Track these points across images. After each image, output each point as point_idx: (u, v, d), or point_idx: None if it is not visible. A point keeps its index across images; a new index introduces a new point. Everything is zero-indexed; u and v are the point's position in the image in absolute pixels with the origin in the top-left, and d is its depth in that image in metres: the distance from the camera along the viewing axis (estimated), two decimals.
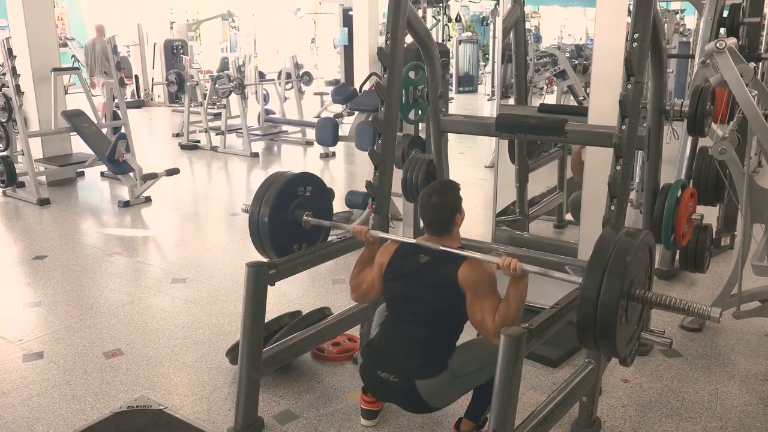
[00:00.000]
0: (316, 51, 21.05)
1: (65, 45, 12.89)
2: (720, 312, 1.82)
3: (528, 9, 12.06)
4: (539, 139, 4.53)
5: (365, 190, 2.89)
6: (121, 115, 6.85)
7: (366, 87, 6.27)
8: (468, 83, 15.17)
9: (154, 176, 5.87)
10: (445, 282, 2.18)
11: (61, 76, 6.65)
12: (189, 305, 3.68)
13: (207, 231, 5.27)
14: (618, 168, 2.29)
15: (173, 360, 3.06)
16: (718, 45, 2.69)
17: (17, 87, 5.98)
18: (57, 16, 11.92)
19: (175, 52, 12.67)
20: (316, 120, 6.79)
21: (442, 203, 2.27)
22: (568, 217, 4.95)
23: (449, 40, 14.49)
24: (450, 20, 14.05)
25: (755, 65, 3.30)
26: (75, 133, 6.42)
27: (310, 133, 8.39)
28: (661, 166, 2.91)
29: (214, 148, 8.55)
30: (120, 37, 10.71)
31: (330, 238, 2.85)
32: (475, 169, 7.22)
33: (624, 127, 2.30)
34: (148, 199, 5.94)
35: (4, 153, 6.23)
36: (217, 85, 8.69)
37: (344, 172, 7.57)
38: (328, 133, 5.36)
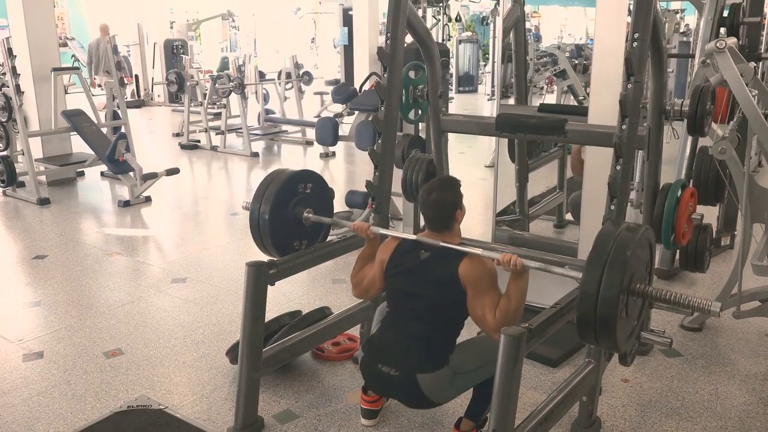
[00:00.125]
0: (316, 51, 21.05)
1: (65, 45, 12.88)
2: (720, 307, 1.81)
3: (528, 9, 12.06)
4: (539, 139, 4.53)
5: (365, 189, 2.89)
6: (121, 115, 6.85)
7: (366, 87, 6.27)
8: (468, 83, 15.17)
9: (154, 176, 5.87)
10: (446, 278, 2.18)
11: (61, 76, 6.65)
12: (189, 305, 3.68)
13: (207, 231, 5.27)
14: (618, 168, 2.29)
15: (173, 360, 3.06)
16: (718, 45, 2.69)
17: (17, 87, 5.98)
18: (57, 16, 11.92)
19: (175, 52, 12.67)
20: (316, 120, 6.79)
21: (442, 200, 2.27)
22: (568, 216, 4.95)
23: (449, 40, 14.49)
24: (450, 20, 14.05)
25: (755, 65, 3.30)
26: (75, 132, 6.42)
27: (310, 133, 8.39)
28: (661, 166, 2.91)
29: (214, 148, 8.55)
30: (120, 36, 10.73)
31: (330, 238, 2.85)
32: (475, 168, 7.22)
33: (624, 126, 2.30)
34: (148, 199, 5.95)
35: (4, 153, 6.23)
36: (217, 85, 8.69)
37: (344, 171, 7.57)
38: (328, 132, 5.36)
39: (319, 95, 10.94)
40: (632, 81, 2.27)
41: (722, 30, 3.96)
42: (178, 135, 9.32)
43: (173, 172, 6.11)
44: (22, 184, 6.10)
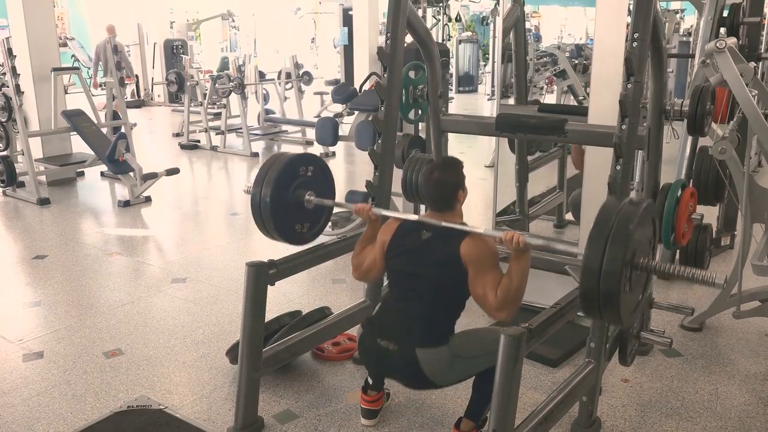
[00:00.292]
0: (316, 51, 21.04)
1: (65, 45, 12.87)
2: (725, 279, 1.79)
3: (528, 9, 12.06)
4: (539, 139, 4.53)
5: (365, 189, 2.89)
6: (121, 115, 6.85)
7: (366, 87, 6.27)
8: (468, 83, 15.17)
9: (154, 176, 5.87)
10: (448, 258, 2.17)
11: (61, 76, 6.65)
12: (189, 305, 3.68)
13: (207, 231, 5.27)
14: (618, 168, 2.29)
15: (173, 360, 3.06)
16: (718, 45, 2.69)
17: (17, 87, 5.98)
18: (57, 15, 11.91)
19: (175, 52, 12.67)
20: (316, 120, 6.78)
21: (444, 179, 2.26)
22: (568, 216, 4.95)
23: (449, 40, 14.48)
24: (450, 20, 14.04)
25: (755, 65, 3.30)
26: (75, 132, 6.42)
27: (310, 133, 8.39)
28: (661, 166, 2.91)
29: (214, 148, 8.55)
30: (120, 36, 10.72)
31: (330, 238, 2.85)
32: (475, 168, 7.22)
33: (624, 126, 2.30)
34: (148, 199, 5.95)
35: (4, 153, 6.23)
36: (217, 85, 8.68)
37: (344, 171, 7.56)
38: (328, 132, 5.35)
39: (319, 95, 10.94)
40: (632, 81, 2.27)
41: (722, 30, 3.96)
42: (178, 135, 9.32)
43: (173, 172, 6.11)
44: (22, 184, 6.10)
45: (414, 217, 2.33)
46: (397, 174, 3.13)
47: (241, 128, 8.48)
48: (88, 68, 13.11)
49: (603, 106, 3.05)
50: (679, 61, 8.82)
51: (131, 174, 5.86)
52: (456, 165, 2.32)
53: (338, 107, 7.72)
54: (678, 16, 10.06)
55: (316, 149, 8.32)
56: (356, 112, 6.45)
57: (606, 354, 2.41)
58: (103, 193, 6.54)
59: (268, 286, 2.44)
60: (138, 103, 12.99)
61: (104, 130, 6.68)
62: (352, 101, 6.21)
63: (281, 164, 2.50)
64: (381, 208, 2.83)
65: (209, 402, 2.70)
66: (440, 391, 2.75)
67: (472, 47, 15.31)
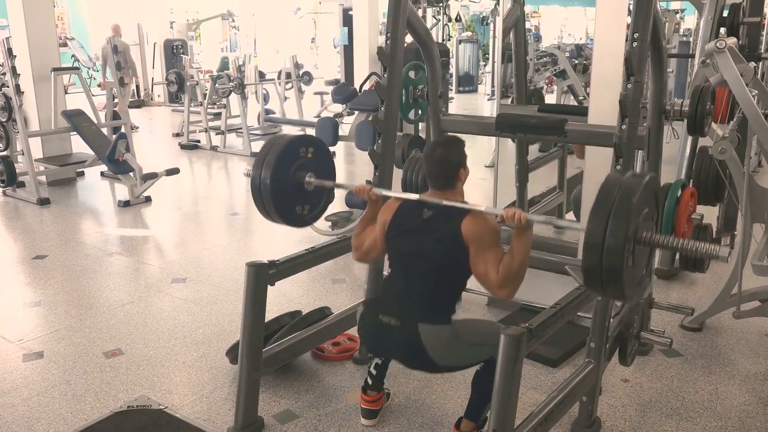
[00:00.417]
0: (316, 51, 21.04)
1: (65, 45, 12.87)
2: (728, 251, 1.75)
3: (528, 9, 12.06)
4: (540, 139, 4.53)
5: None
6: (121, 115, 6.85)
7: (366, 87, 6.28)
8: (468, 83, 15.17)
9: (154, 176, 5.87)
10: (449, 236, 2.15)
11: (61, 76, 6.65)
12: (189, 305, 3.68)
13: (207, 231, 5.27)
14: (618, 167, 2.29)
15: (173, 360, 3.06)
16: (718, 45, 2.69)
17: (17, 87, 5.98)
18: (57, 15, 11.92)
19: (175, 52, 12.67)
20: (316, 120, 6.79)
21: (446, 157, 2.24)
22: (568, 216, 4.95)
23: (449, 40, 14.48)
24: (450, 20, 14.04)
25: (755, 65, 3.30)
26: (75, 132, 6.42)
27: (310, 133, 8.38)
28: (661, 166, 2.91)
29: (214, 148, 8.55)
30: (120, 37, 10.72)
31: (330, 238, 2.85)
32: (475, 168, 7.20)
33: (624, 126, 2.30)
34: (148, 199, 5.94)
35: (4, 153, 6.23)
36: (217, 85, 8.68)
37: (344, 171, 7.56)
38: (328, 132, 5.35)
39: (319, 95, 10.94)
40: (632, 81, 2.27)
41: (722, 30, 3.96)
42: (178, 135, 9.32)
43: (173, 172, 6.11)
44: (22, 184, 6.10)
45: (414, 196, 2.31)
46: (397, 174, 3.13)
47: (241, 128, 8.48)
48: (88, 68, 13.11)
49: (603, 106, 3.05)
50: (679, 61, 8.83)
51: (131, 174, 5.86)
52: (458, 143, 2.30)
53: (338, 107, 7.73)
54: (678, 16, 10.07)
55: None
56: (356, 112, 6.46)
57: (606, 354, 2.41)
58: (103, 193, 6.54)
59: (268, 286, 2.44)
60: (138, 103, 12.99)
61: (104, 130, 6.68)
62: (352, 101, 6.22)
63: (281, 146, 2.45)
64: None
65: (209, 402, 2.71)
66: (440, 391, 2.76)
67: (472, 47, 15.31)
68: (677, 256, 3.50)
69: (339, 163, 7.91)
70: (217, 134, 8.64)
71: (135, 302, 3.73)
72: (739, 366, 2.99)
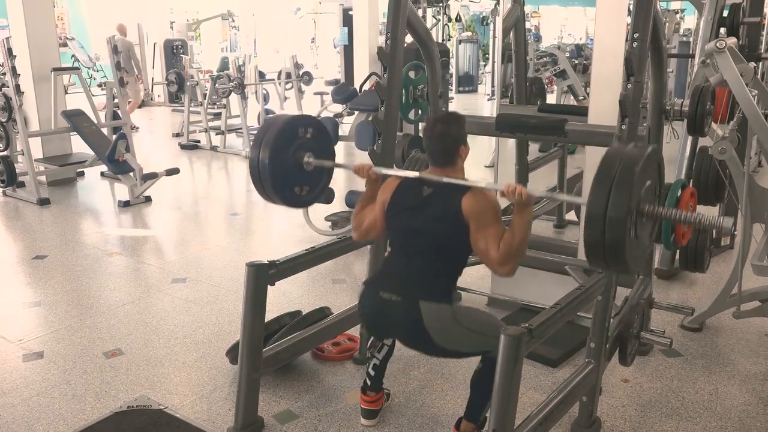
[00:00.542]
0: (316, 51, 21.04)
1: (65, 45, 12.88)
2: (732, 222, 1.73)
3: (528, 9, 12.06)
4: (540, 139, 4.52)
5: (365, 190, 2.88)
6: (121, 115, 6.85)
7: (366, 87, 6.27)
8: (468, 83, 15.17)
9: (154, 176, 5.87)
10: (449, 213, 2.14)
11: (61, 76, 6.65)
12: (189, 305, 3.68)
13: (207, 231, 5.27)
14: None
15: (173, 360, 3.06)
16: (718, 45, 2.70)
17: (17, 87, 5.98)
18: (57, 16, 11.91)
19: (175, 52, 12.67)
20: None
21: (446, 132, 2.22)
22: (568, 216, 4.95)
23: (449, 40, 14.48)
24: (450, 20, 14.04)
25: (755, 65, 3.30)
26: (75, 132, 6.42)
27: None
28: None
29: (214, 148, 8.55)
30: (116, 37, 10.72)
31: (330, 237, 2.85)
32: (475, 168, 7.21)
33: (624, 126, 2.30)
34: (148, 199, 5.94)
35: (4, 153, 6.23)
36: (217, 85, 8.68)
37: (344, 172, 7.55)
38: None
39: (319, 95, 10.94)
40: (632, 81, 2.27)
41: (722, 30, 3.96)
42: (178, 135, 9.32)
43: (173, 172, 6.11)
44: (22, 184, 6.10)
45: (414, 174, 2.29)
46: None
47: (241, 128, 8.48)
48: (88, 68, 13.11)
49: (603, 106, 3.05)
50: (679, 61, 8.83)
51: (131, 174, 5.86)
52: (458, 119, 2.28)
53: (338, 107, 7.72)
54: (678, 16, 10.07)
55: None
56: (356, 112, 6.46)
57: (606, 354, 2.41)
58: (103, 193, 6.54)
59: (268, 286, 2.44)
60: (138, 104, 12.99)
61: (104, 130, 6.68)
62: (352, 101, 6.21)
63: (279, 125, 2.43)
64: None
65: (209, 402, 2.71)
66: (440, 391, 2.76)
67: (472, 47, 15.31)
68: (677, 256, 3.51)
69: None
70: (217, 134, 8.64)
71: (135, 302, 3.73)
72: (739, 366, 2.99)
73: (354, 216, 2.46)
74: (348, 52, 11.76)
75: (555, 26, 20.38)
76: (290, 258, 2.57)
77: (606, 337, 2.37)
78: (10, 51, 6.03)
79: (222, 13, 17.26)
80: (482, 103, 13.51)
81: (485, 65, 15.97)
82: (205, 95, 8.81)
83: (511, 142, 4.53)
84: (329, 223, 4.98)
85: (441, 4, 11.86)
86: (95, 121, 6.57)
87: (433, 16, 12.26)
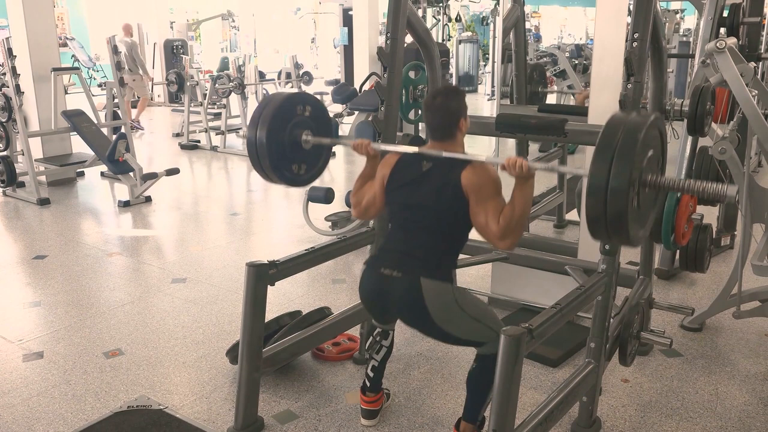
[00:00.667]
0: (316, 51, 21.05)
1: (65, 45, 12.88)
2: (736, 191, 1.70)
3: (528, 9, 12.06)
4: (540, 139, 4.52)
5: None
6: (121, 115, 6.86)
7: (366, 87, 6.27)
8: (468, 83, 15.16)
9: (154, 176, 5.87)
10: (448, 187, 2.12)
11: (61, 76, 6.65)
12: (189, 305, 3.68)
13: (207, 231, 5.27)
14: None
15: (173, 360, 3.06)
16: (718, 45, 2.70)
17: (17, 87, 5.98)
18: (57, 15, 11.92)
19: (175, 52, 12.68)
20: None
21: (446, 105, 2.19)
22: (568, 216, 4.95)
23: (449, 40, 14.49)
24: (450, 20, 14.05)
25: (755, 65, 3.30)
26: (75, 132, 6.42)
27: None
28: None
29: (214, 148, 8.55)
30: (120, 37, 10.73)
31: (330, 238, 2.85)
32: None
33: None
34: (148, 199, 5.95)
35: (4, 153, 6.23)
36: (217, 85, 8.69)
37: (344, 172, 7.56)
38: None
39: (319, 95, 10.94)
40: (632, 81, 2.27)
41: (722, 30, 3.96)
42: (178, 135, 9.32)
43: (173, 172, 6.11)
44: (22, 184, 6.10)
45: (414, 149, 2.26)
46: None
47: (241, 128, 8.48)
48: (88, 68, 13.11)
49: (603, 106, 3.05)
50: (679, 61, 8.83)
51: (131, 174, 5.86)
52: (459, 92, 2.26)
53: (338, 107, 7.73)
54: (678, 16, 10.07)
55: None
56: (356, 112, 6.46)
57: (606, 354, 2.41)
58: (103, 193, 6.54)
59: (268, 286, 2.44)
60: (137, 103, 12.99)
61: (104, 130, 6.68)
62: (352, 101, 6.22)
63: (277, 102, 2.40)
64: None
65: (209, 402, 2.71)
66: (440, 391, 2.76)
67: (472, 47, 15.31)
68: (677, 256, 3.51)
69: (339, 163, 7.91)
70: (217, 134, 8.64)
71: (135, 302, 3.73)
72: (739, 366, 2.99)
73: (353, 193, 2.44)
74: (348, 52, 11.77)
75: (555, 26, 20.39)
76: (290, 258, 2.57)
77: (606, 337, 2.37)
78: (10, 51, 6.03)
79: (222, 13, 17.27)
80: (482, 103, 13.51)
81: (485, 65, 15.97)
82: (205, 95, 8.82)
83: (511, 142, 4.53)
84: (329, 223, 4.98)
85: (441, 4, 11.87)
86: (95, 121, 6.57)
87: (433, 16, 12.27)
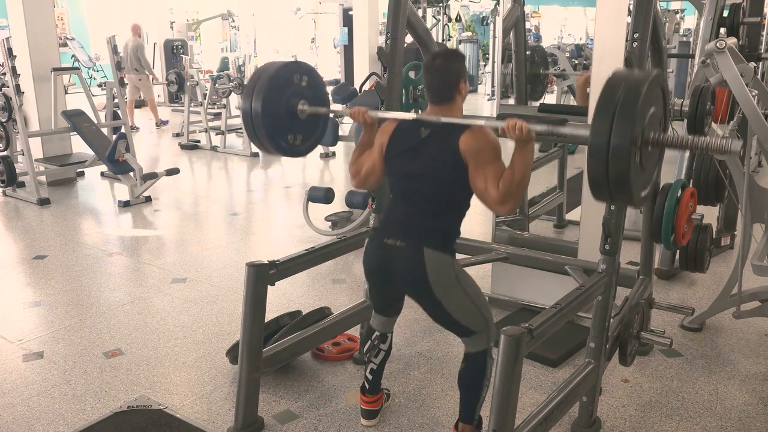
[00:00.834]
0: (316, 51, 21.04)
1: (65, 45, 12.89)
2: (739, 145, 1.66)
3: (528, 9, 12.07)
4: (540, 139, 4.50)
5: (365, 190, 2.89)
6: (121, 115, 6.86)
7: (366, 87, 6.28)
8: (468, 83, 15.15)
9: (154, 176, 5.87)
10: (447, 153, 2.10)
11: (61, 76, 6.65)
12: (189, 305, 3.68)
13: (207, 231, 5.27)
14: None
15: (173, 360, 3.06)
16: (718, 45, 2.70)
17: (17, 87, 5.98)
18: (57, 16, 11.92)
19: (175, 52, 12.67)
20: None
21: (446, 66, 2.17)
22: (568, 216, 4.95)
23: (449, 40, 14.48)
24: (450, 20, 14.05)
25: (755, 65, 3.30)
26: (75, 132, 6.43)
27: None
28: (662, 166, 2.90)
29: (214, 148, 8.55)
30: (120, 36, 10.73)
31: (330, 238, 2.85)
32: None
33: None
34: (148, 199, 5.95)
35: (4, 153, 6.23)
36: (217, 85, 8.69)
37: (344, 172, 7.56)
38: (327, 132, 5.35)
39: None
40: None
41: (722, 30, 3.96)
42: (178, 135, 9.32)
43: (173, 172, 6.11)
44: (22, 184, 6.10)
45: (412, 115, 2.25)
46: None
47: (241, 128, 8.47)
48: (88, 68, 13.11)
49: None
50: (679, 61, 8.82)
51: (131, 174, 5.86)
52: (458, 55, 2.24)
53: (338, 107, 7.72)
54: (678, 16, 10.07)
55: (316, 149, 8.30)
56: None
57: (606, 354, 2.41)
58: (103, 193, 6.54)
59: (268, 286, 2.44)
60: (138, 103, 12.98)
61: (104, 130, 6.68)
62: (352, 101, 6.22)
63: (272, 71, 2.37)
64: (381, 209, 2.84)
65: (209, 402, 2.71)
66: (440, 391, 2.76)
67: (472, 47, 15.30)
68: (677, 256, 3.51)
69: (339, 163, 7.91)
70: (217, 134, 8.64)
71: (135, 302, 3.73)
72: (739, 366, 2.99)
73: (352, 163, 2.42)
74: (348, 52, 11.77)
75: (555, 26, 20.37)
76: (290, 258, 2.57)
77: (606, 337, 2.37)
78: (10, 51, 6.04)
79: (222, 13, 17.26)
80: (482, 103, 13.51)
81: (485, 65, 15.97)
82: (205, 95, 8.82)
83: (510, 143, 4.51)
84: (329, 223, 4.98)
85: (441, 4, 11.87)
86: (95, 121, 6.58)
87: (433, 16, 12.28)
